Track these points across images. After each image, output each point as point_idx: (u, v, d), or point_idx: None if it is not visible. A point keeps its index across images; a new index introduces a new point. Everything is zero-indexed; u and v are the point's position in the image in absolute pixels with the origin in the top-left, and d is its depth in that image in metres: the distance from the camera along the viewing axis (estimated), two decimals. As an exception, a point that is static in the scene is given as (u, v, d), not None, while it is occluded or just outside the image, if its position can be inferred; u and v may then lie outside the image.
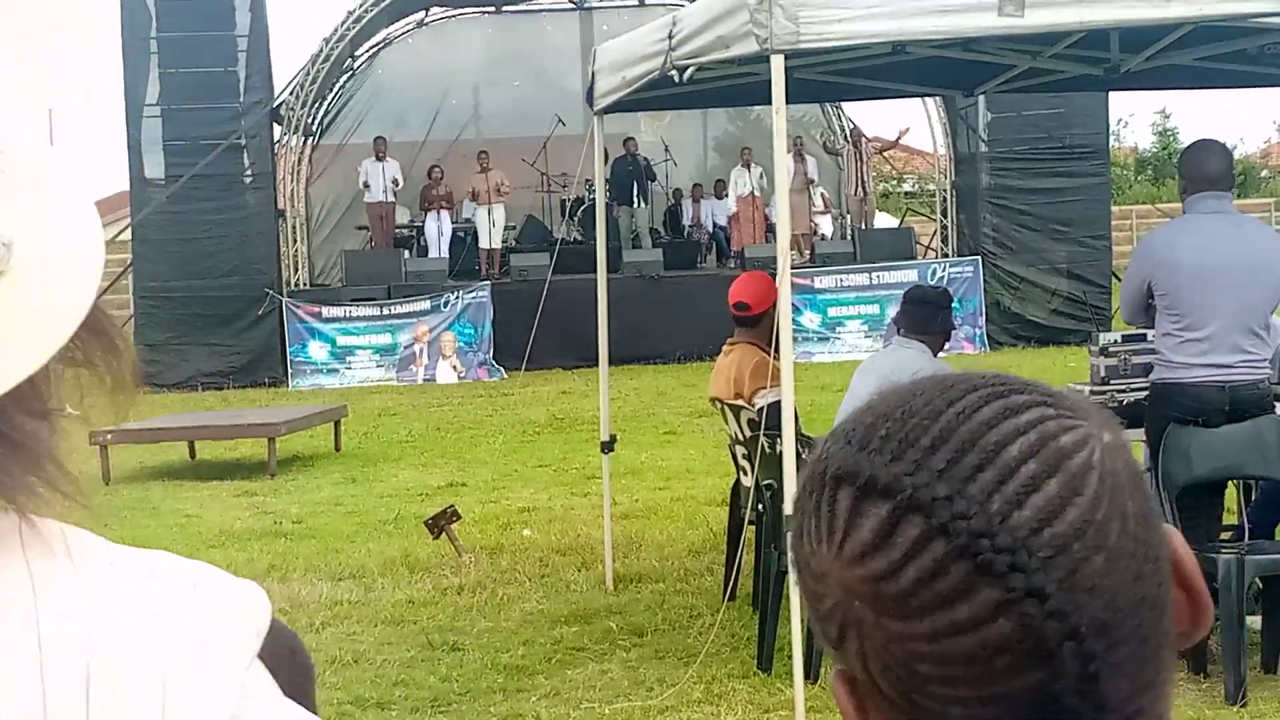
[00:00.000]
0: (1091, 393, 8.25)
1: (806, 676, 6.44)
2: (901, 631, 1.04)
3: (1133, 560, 1.04)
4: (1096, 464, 1.04)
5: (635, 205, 27.00)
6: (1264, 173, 57.24)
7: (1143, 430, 7.06)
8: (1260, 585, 7.08)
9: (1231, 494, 8.12)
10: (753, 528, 8.08)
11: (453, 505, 10.68)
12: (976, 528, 1.01)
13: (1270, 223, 39.30)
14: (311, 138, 28.87)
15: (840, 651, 1.10)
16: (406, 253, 26.62)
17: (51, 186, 1.19)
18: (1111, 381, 8.33)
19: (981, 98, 16.62)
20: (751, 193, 27.20)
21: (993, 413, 1.06)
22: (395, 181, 26.41)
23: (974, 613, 1.02)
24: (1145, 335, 7.83)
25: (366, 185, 26.37)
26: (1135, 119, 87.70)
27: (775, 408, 7.02)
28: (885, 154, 31.13)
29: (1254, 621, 7.05)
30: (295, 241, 26.84)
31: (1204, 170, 6.97)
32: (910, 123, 33.34)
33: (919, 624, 1.03)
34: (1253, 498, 8.09)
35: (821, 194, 28.78)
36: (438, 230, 26.91)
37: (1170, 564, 1.08)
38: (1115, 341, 8.53)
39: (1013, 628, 1.01)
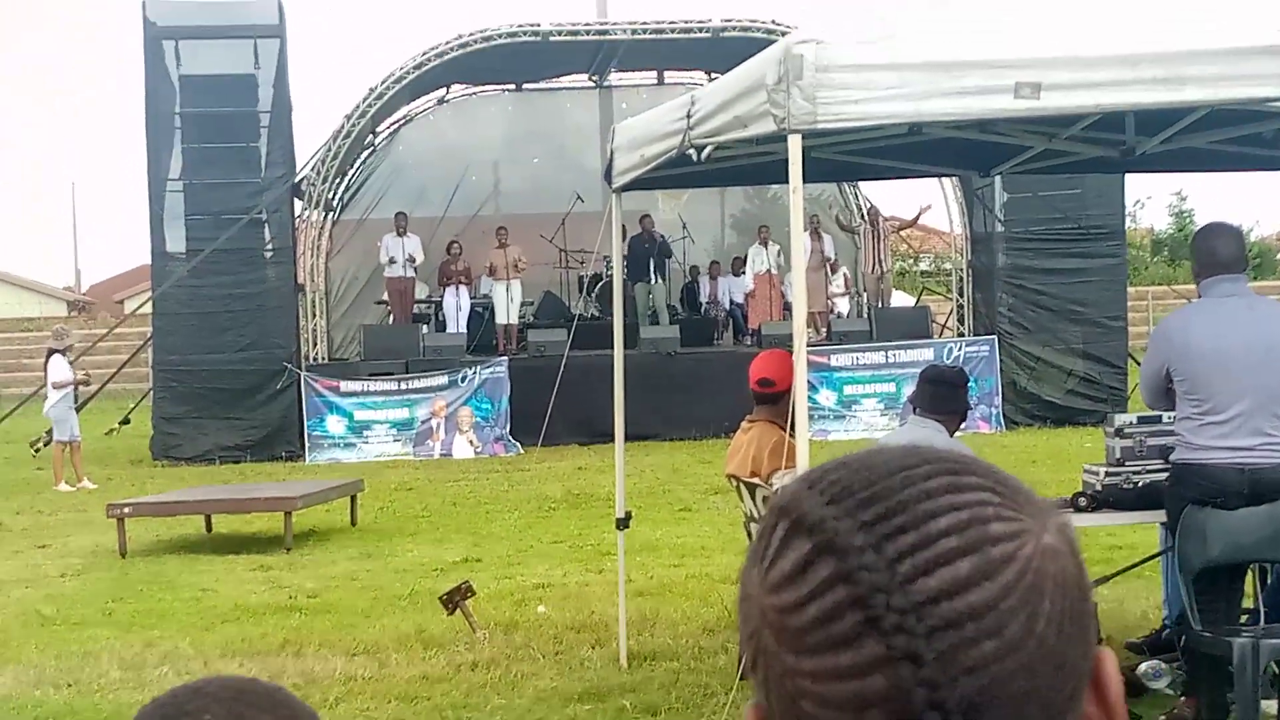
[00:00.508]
0: (1107, 474, 8.25)
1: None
2: (794, 666, 1.08)
3: (1030, 658, 1.05)
4: (1021, 558, 1.07)
5: (653, 282, 27.08)
6: (1279, 255, 57.28)
7: (1159, 512, 7.04)
8: (1276, 669, 7.04)
9: (1250, 577, 8.08)
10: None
11: (468, 581, 10.66)
12: (878, 582, 1.05)
13: (1288, 305, 39.22)
14: (332, 213, 29.04)
15: (753, 677, 1.14)
16: (425, 328, 26.73)
17: None
18: (1127, 463, 8.32)
19: (998, 178, 16.70)
20: (769, 270, 27.28)
21: (937, 485, 1.09)
22: (412, 259, 26.54)
23: (856, 661, 1.05)
24: (1161, 417, 7.83)
25: (392, 260, 26.48)
26: (1152, 200, 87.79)
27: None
28: (902, 233, 31.19)
29: (1269, 706, 7.01)
30: (314, 316, 26.94)
31: (1216, 254, 6.99)
32: (928, 202, 33.40)
33: (808, 661, 1.07)
34: (1269, 581, 8.05)
35: (843, 273, 28.86)
36: (456, 305, 27.02)
37: (1093, 682, 1.11)
38: (1131, 423, 8.53)
39: (886, 686, 1.04)
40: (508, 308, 26.59)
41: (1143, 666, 7.70)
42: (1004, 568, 1.05)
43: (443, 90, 30.25)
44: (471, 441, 24.12)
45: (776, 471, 7.88)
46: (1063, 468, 17.35)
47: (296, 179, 25.54)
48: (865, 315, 27.47)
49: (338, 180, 28.19)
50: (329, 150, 26.44)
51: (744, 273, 28.13)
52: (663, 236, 27.50)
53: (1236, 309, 6.92)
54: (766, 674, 1.11)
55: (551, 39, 26.05)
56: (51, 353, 21.78)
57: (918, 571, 1.04)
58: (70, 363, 21.80)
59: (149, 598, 12.52)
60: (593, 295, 25.51)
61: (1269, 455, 6.84)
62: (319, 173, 26.48)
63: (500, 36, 25.86)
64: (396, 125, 30.44)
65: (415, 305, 27.61)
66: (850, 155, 9.08)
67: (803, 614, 1.07)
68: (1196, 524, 6.86)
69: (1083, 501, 8.22)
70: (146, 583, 13.21)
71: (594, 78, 30.17)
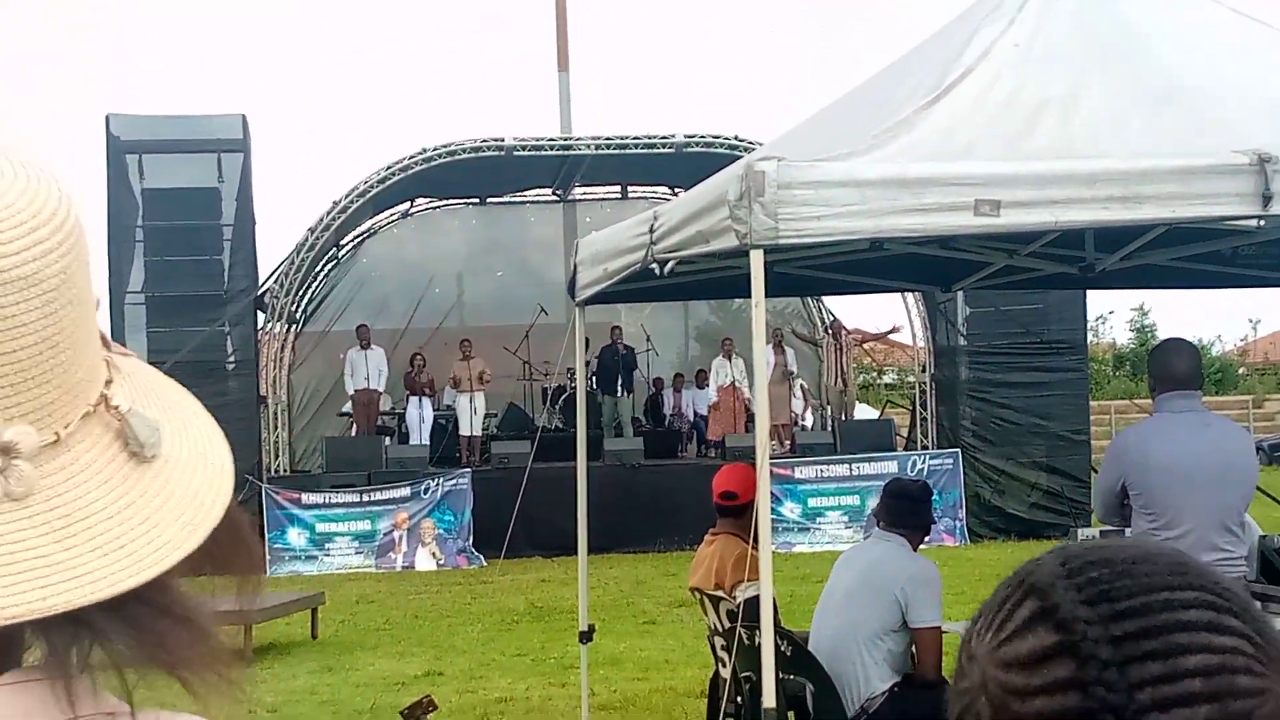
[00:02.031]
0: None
1: None
2: None
3: None
4: (1255, 717, 1.06)
5: (619, 395, 27.12)
6: (1241, 370, 57.70)
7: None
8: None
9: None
10: (731, 720, 8.02)
11: (429, 695, 10.56)
12: (1112, 703, 1.05)
13: (1248, 420, 39.54)
14: (295, 325, 29.03)
15: None
16: (388, 439, 26.68)
17: (164, 382, 1.25)
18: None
19: (960, 293, 16.85)
20: (733, 383, 27.35)
21: (1197, 618, 1.08)
22: (380, 371, 26.55)
23: None
24: (1123, 532, 7.86)
25: (354, 374, 26.48)
26: (1114, 315, 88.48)
27: (757, 601, 7.02)
28: (865, 346, 31.32)
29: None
30: (276, 428, 26.86)
31: (1172, 370, 7.05)
32: (893, 316, 33.46)
33: None
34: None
35: (801, 385, 28.96)
36: (419, 417, 26.99)
37: None
38: (1093, 537, 8.54)
39: None
40: (471, 419, 26.57)
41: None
42: None
43: (406, 204, 30.39)
44: (434, 554, 23.99)
45: (740, 584, 7.87)
46: (1026, 581, 17.34)
47: (259, 291, 25.54)
48: (829, 428, 27.54)
49: (301, 293, 28.21)
50: (292, 263, 26.48)
51: (708, 385, 28.20)
52: (630, 348, 27.58)
53: (1192, 425, 6.96)
54: None
55: (515, 153, 26.22)
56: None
57: (1155, 705, 1.04)
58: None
59: (106, 713, 12.37)
60: (556, 407, 25.53)
61: (1225, 569, 6.85)
62: (282, 285, 26.50)
63: (464, 151, 26.02)
64: (360, 238, 30.54)
65: (379, 417, 27.57)
66: (813, 270, 9.16)
67: (1028, 703, 1.07)
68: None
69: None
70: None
71: (558, 191, 30.35)
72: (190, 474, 1.18)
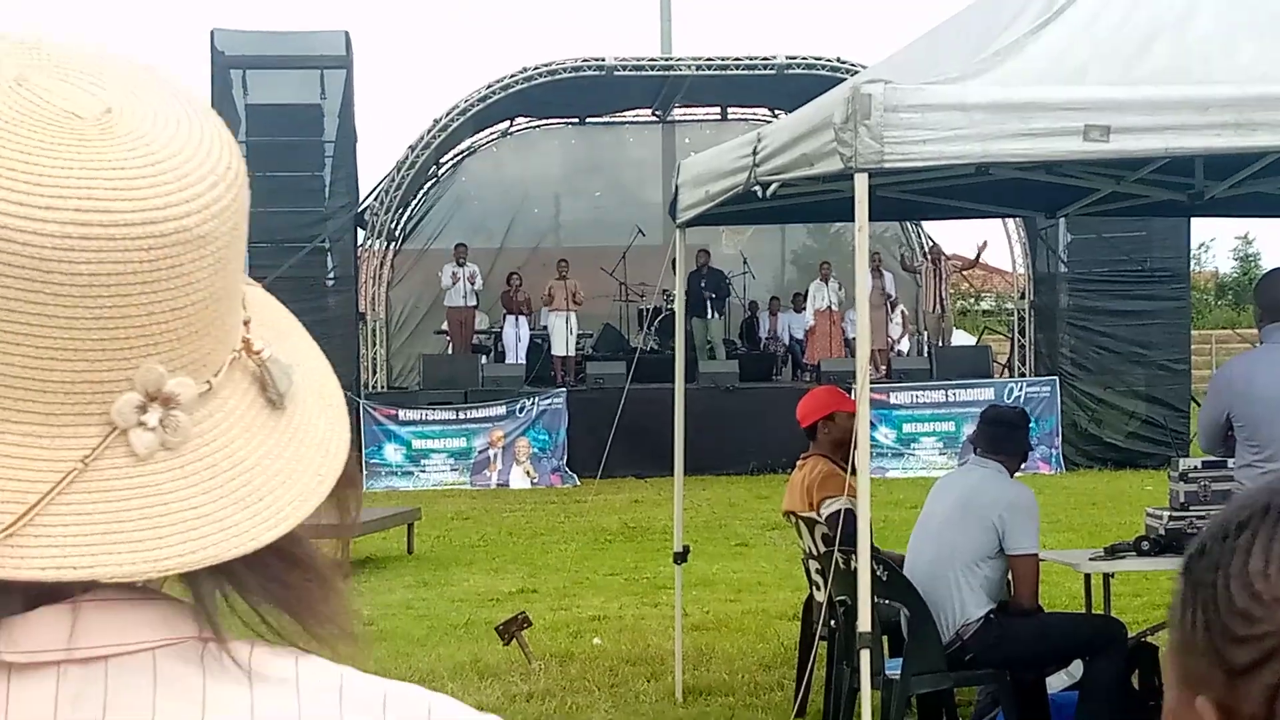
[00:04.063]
0: (1170, 518, 8.21)
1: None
2: None
3: None
4: None
5: (710, 317, 27.07)
6: (1346, 301, 56.73)
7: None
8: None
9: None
10: (825, 644, 8.04)
11: (524, 612, 10.68)
12: None
13: (1352, 351, 38.88)
14: (394, 242, 29.18)
15: (1238, 680, 1.09)
16: (484, 358, 26.82)
17: (278, 311, 1.26)
18: (1191, 507, 8.27)
19: (1062, 219, 16.62)
20: (829, 307, 27.26)
21: None
22: (473, 279, 26.62)
23: None
24: (1226, 462, 7.78)
25: (454, 284, 26.55)
26: (1216, 243, 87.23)
27: (841, 516, 7.03)
28: (964, 273, 31.07)
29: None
30: (374, 344, 27.07)
31: (1279, 301, 6.95)
32: (989, 240, 33.16)
33: None
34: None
35: (901, 311, 28.81)
36: (515, 336, 27.10)
37: None
38: (1195, 467, 8.48)
39: None
40: (566, 339, 26.63)
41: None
42: None
43: (506, 123, 30.37)
44: (528, 472, 24.16)
45: (826, 499, 7.90)
46: (1123, 510, 17.24)
47: (360, 209, 25.68)
48: (925, 354, 27.42)
49: (400, 210, 28.32)
50: (392, 181, 26.57)
51: (804, 309, 28.11)
52: (720, 271, 27.49)
53: (1299, 356, 6.87)
54: None
55: (615, 73, 26.13)
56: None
57: None
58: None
59: (207, 622, 12.57)
60: (652, 329, 25.52)
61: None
62: (382, 203, 26.61)
63: (564, 70, 25.96)
64: (460, 157, 30.58)
65: (475, 336, 27.70)
66: (915, 195, 9.09)
67: None
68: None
69: (1146, 545, 8.18)
70: (204, 607, 13.25)
71: (657, 112, 30.24)
72: (316, 418, 1.18)
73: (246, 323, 1.17)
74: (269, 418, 1.14)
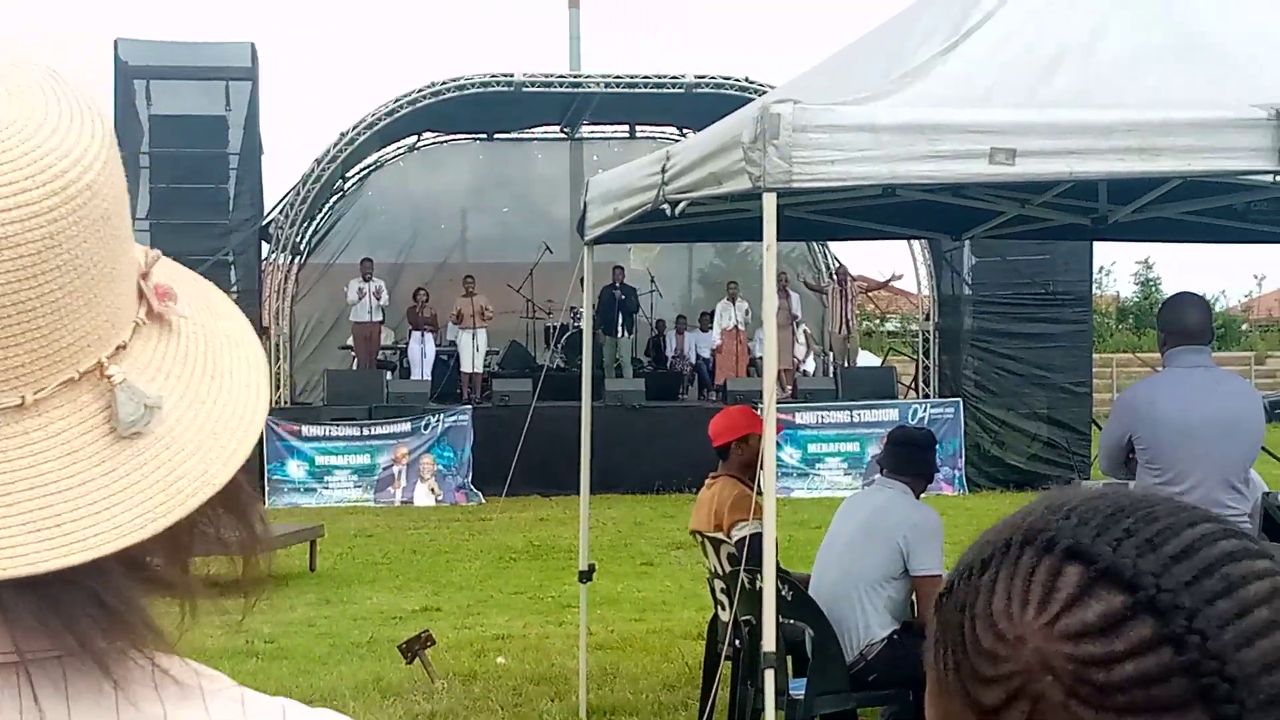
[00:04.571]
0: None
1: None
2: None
3: None
4: None
5: (619, 335, 27.10)
6: (1244, 326, 57.70)
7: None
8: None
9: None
10: (729, 663, 8.03)
11: (427, 630, 10.61)
12: (1213, 650, 1.02)
13: (1250, 376, 39.53)
14: (299, 256, 28.98)
15: (988, 718, 1.09)
16: (389, 374, 26.69)
17: (223, 355, 1.20)
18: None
19: (967, 241, 16.75)
20: (736, 326, 27.32)
21: (1232, 547, 1.06)
22: (379, 295, 26.49)
23: None
24: (1128, 485, 7.84)
25: (359, 299, 26.43)
26: (1118, 268, 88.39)
27: (752, 540, 7.01)
28: (869, 294, 31.26)
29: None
30: (278, 359, 26.87)
31: (1183, 324, 7.01)
32: (896, 264, 33.33)
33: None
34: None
35: (804, 331, 28.93)
36: (421, 352, 26.97)
37: None
38: (1098, 489, 8.54)
39: None
40: (473, 356, 26.56)
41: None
42: None
43: (413, 137, 30.28)
44: (433, 489, 24.03)
45: (738, 523, 7.89)
46: (1024, 532, 17.36)
47: (264, 222, 25.48)
48: (831, 374, 27.54)
49: (305, 224, 28.13)
50: (298, 194, 26.40)
51: (711, 328, 28.18)
52: (632, 288, 27.53)
53: (1202, 381, 6.93)
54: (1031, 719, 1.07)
55: (524, 89, 26.09)
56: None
57: (1242, 642, 1.02)
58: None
59: (104, 639, 12.40)
60: (559, 346, 25.49)
61: (1230, 526, 6.85)
62: (287, 216, 26.43)
63: (473, 85, 25.89)
64: (366, 171, 30.45)
65: (380, 351, 27.57)
66: (823, 215, 9.12)
67: (1114, 671, 1.03)
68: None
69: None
70: (102, 624, 13.08)
71: (565, 129, 30.24)
72: (184, 457, 1.13)
73: (121, 347, 1.12)
74: (108, 445, 1.09)
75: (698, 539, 8.47)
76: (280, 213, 26.37)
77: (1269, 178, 7.09)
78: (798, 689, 7.32)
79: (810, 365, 29.26)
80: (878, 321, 44.16)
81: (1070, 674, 1.04)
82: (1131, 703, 1.03)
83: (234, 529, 1.19)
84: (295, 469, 24.04)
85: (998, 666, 1.08)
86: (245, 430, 1.18)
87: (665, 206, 7.03)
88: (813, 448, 24.66)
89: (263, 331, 25.47)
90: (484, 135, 30.73)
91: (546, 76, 26.53)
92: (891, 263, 43.28)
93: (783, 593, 6.85)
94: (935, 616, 1.15)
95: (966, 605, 1.11)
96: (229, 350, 1.22)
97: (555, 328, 25.96)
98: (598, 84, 26.50)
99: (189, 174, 24.39)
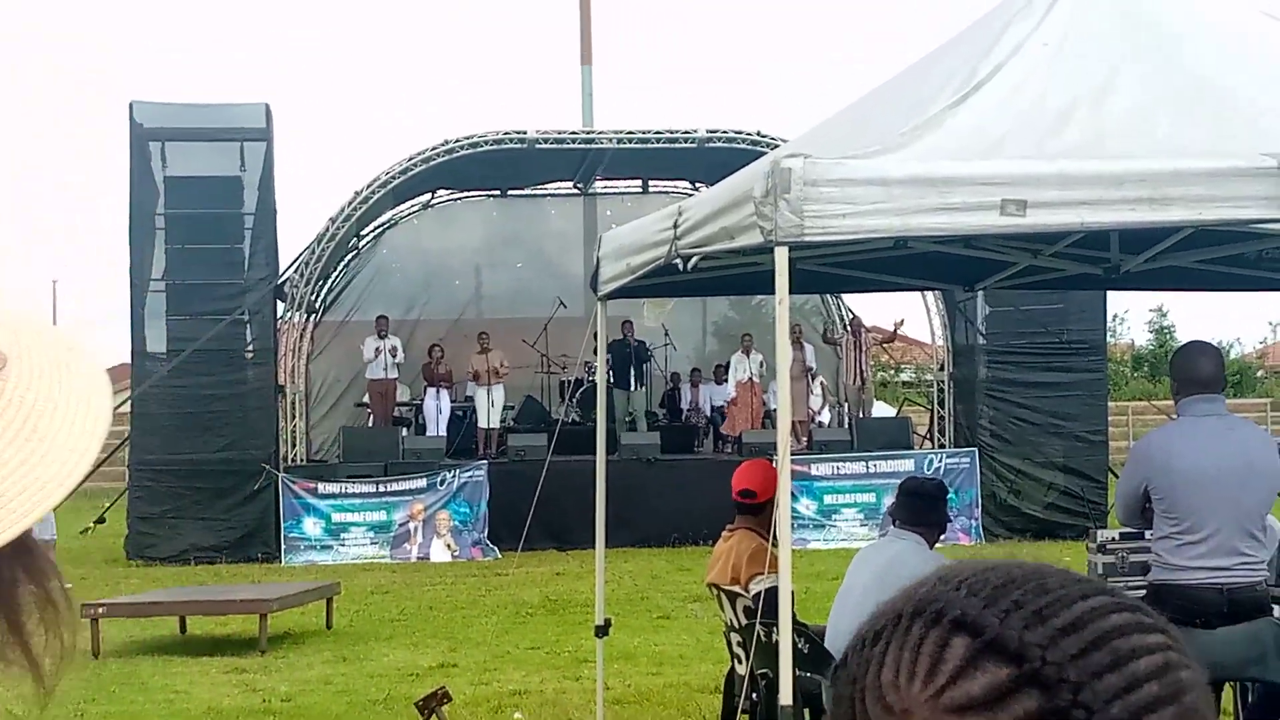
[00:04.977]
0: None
1: None
2: None
3: None
4: (1198, 708, 1.05)
5: (632, 388, 27.12)
6: (1260, 373, 57.55)
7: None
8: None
9: (1228, 696, 8.07)
10: (746, 717, 8.00)
11: (444, 686, 10.56)
12: None
13: (1266, 423, 39.44)
14: (314, 314, 29.06)
15: None
16: (405, 430, 26.71)
17: (47, 419, 1.22)
18: (1109, 579, 8.31)
19: (980, 291, 16.80)
20: (751, 379, 27.31)
21: (1123, 621, 1.05)
22: (394, 352, 26.57)
23: None
24: (1143, 534, 7.83)
25: (375, 358, 26.51)
26: (1132, 315, 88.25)
27: (770, 594, 7.00)
28: (884, 345, 31.26)
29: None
30: (294, 417, 26.90)
31: (1196, 373, 7.02)
32: (906, 314, 33.41)
33: None
34: (1249, 700, 8.03)
35: (821, 382, 28.92)
36: (437, 409, 27.00)
37: None
38: (1113, 539, 8.53)
39: None
40: (489, 411, 26.58)
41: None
42: (1192, 717, 1.04)
43: (427, 195, 30.37)
44: (449, 545, 24.00)
45: (755, 577, 7.86)
46: (1042, 582, 17.29)
47: (279, 280, 25.55)
48: (846, 425, 27.52)
49: (320, 283, 28.22)
50: (312, 252, 26.49)
51: (726, 380, 28.17)
52: (641, 342, 27.54)
53: (1216, 429, 6.93)
54: None
55: (537, 146, 26.19)
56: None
57: (1128, 716, 1.01)
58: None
59: (121, 700, 12.40)
60: (574, 400, 25.50)
61: (1246, 575, 6.85)
62: (302, 275, 26.52)
63: (486, 143, 26.00)
64: (380, 229, 30.53)
65: (396, 408, 27.60)
66: (835, 267, 9.13)
67: None
68: (1178, 643, 6.82)
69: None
70: (119, 684, 13.09)
71: (578, 185, 30.33)
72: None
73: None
74: None
75: (714, 592, 8.45)
76: (295, 271, 26.45)
77: (1280, 226, 7.09)
78: (816, 742, 7.29)
79: (826, 416, 29.23)
80: (892, 372, 44.13)
81: None
82: None
83: (38, 597, 1.20)
84: (311, 526, 24.04)
85: None
86: (45, 494, 1.19)
87: (678, 261, 7.05)
88: (829, 499, 24.62)
89: (278, 390, 25.51)
90: (497, 192, 30.81)
91: (559, 133, 26.63)
92: (904, 313, 43.55)
93: (799, 645, 6.84)
94: (831, 689, 1.14)
95: (857, 678, 1.10)
96: (61, 413, 1.23)
97: (570, 382, 25.98)
98: (610, 140, 26.59)
99: (204, 234, 24.49)
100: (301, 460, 26.48)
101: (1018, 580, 1.09)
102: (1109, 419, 26.87)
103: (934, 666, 1.05)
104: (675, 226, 6.97)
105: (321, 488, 24.21)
